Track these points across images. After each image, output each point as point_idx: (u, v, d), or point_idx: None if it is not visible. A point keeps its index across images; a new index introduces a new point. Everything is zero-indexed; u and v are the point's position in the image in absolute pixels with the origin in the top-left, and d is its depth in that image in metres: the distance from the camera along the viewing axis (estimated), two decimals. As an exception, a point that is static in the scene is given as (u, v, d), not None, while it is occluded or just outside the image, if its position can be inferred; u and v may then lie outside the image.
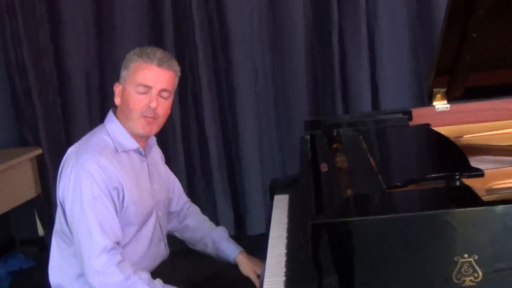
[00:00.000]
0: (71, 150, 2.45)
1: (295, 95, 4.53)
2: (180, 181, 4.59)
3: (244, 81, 4.57)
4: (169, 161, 4.66)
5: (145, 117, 2.39)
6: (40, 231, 4.91)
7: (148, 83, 2.38)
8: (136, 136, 2.45)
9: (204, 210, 4.70)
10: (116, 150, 2.40)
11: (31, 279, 4.40)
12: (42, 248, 4.79)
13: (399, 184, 1.94)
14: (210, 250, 2.74)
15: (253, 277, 2.58)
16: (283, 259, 2.25)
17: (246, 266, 2.64)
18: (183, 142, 4.71)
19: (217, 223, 4.72)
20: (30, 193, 4.61)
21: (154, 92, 2.38)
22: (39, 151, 4.64)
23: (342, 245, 1.68)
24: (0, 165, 4.23)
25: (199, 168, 4.78)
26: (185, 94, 4.67)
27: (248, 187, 4.65)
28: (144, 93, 2.38)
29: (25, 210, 4.78)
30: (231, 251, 2.71)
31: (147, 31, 4.62)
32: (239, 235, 4.61)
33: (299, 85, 4.50)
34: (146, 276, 2.31)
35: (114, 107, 2.51)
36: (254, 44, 4.55)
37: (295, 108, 4.54)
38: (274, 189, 3.03)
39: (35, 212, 4.88)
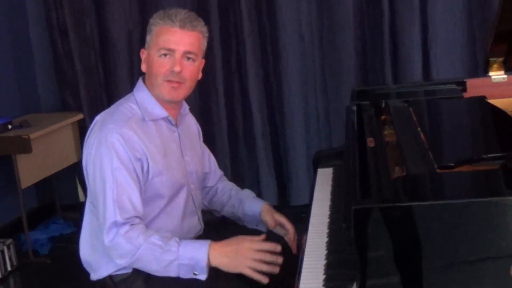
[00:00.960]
0: (97, 119, 2.35)
1: (342, 60, 4.35)
2: (223, 148, 4.58)
3: (290, 44, 4.41)
4: (212, 128, 4.60)
5: (169, 81, 2.27)
6: (81, 197, 4.86)
7: (171, 46, 2.26)
8: (166, 104, 2.33)
9: (246, 178, 4.67)
10: (144, 119, 2.30)
11: (71, 245, 4.35)
12: (83, 214, 4.74)
13: (452, 164, 1.78)
14: (236, 210, 2.58)
15: (270, 221, 2.45)
16: (324, 240, 2.12)
17: (269, 212, 2.49)
18: (226, 108, 4.59)
19: (259, 192, 4.62)
20: (71, 158, 4.56)
21: (177, 55, 2.26)
22: (80, 116, 4.58)
23: (388, 232, 1.53)
24: (42, 130, 4.21)
25: (242, 135, 4.66)
26: (229, 59, 4.54)
27: (292, 156, 4.51)
28: (168, 57, 2.26)
29: (66, 175, 4.75)
30: (258, 204, 2.54)
31: (191, -8, 4.49)
32: (282, 205, 4.50)
33: (346, 49, 4.32)
34: (158, 238, 2.17)
35: (144, 75, 2.39)
36: (300, 6, 4.37)
37: (343, 74, 4.36)
38: (318, 161, 2.89)
39: (76, 177, 4.83)
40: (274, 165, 4.61)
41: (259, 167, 4.58)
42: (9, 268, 3.99)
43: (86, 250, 2.41)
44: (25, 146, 4.00)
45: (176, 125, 2.41)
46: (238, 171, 4.69)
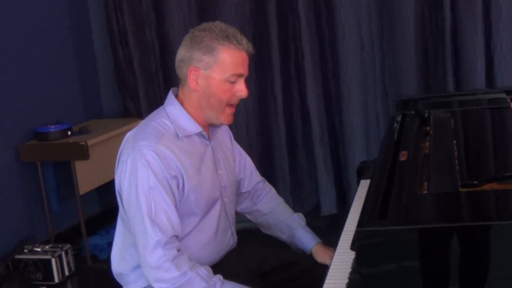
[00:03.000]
0: (129, 135, 2.29)
1: (403, 66, 4.21)
2: (281, 154, 4.52)
3: (349, 49, 4.31)
4: (270, 134, 4.55)
5: (230, 107, 2.24)
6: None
7: (242, 72, 2.22)
8: (201, 121, 2.27)
9: (305, 184, 4.60)
10: (177, 135, 2.24)
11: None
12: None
13: (475, 182, 1.67)
14: (285, 237, 2.56)
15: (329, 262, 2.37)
16: (351, 257, 2.03)
17: (323, 254, 2.45)
18: (285, 114, 4.53)
19: (318, 200, 4.55)
20: (131, 164, 4.58)
21: (243, 80, 2.23)
22: (140, 122, 4.59)
23: (393, 257, 1.44)
24: (101, 136, 4.26)
25: (301, 141, 4.60)
26: (287, 64, 4.49)
27: (352, 164, 4.39)
28: (235, 82, 2.22)
29: (127, 181, 4.77)
30: (309, 240, 2.51)
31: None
32: (341, 214, 4.39)
33: (407, 55, 4.18)
34: (205, 272, 2.16)
35: (174, 88, 2.34)
36: (360, 9, 4.27)
37: (403, 80, 4.23)
38: (362, 172, 2.80)
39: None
40: (333, 171, 4.53)
41: (317, 173, 4.50)
42: (66, 273, 4.04)
43: (117, 264, 2.39)
44: (83, 153, 4.06)
45: (209, 139, 2.36)
46: (297, 177, 4.63)
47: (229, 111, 2.25)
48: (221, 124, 2.30)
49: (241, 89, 2.23)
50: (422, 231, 1.43)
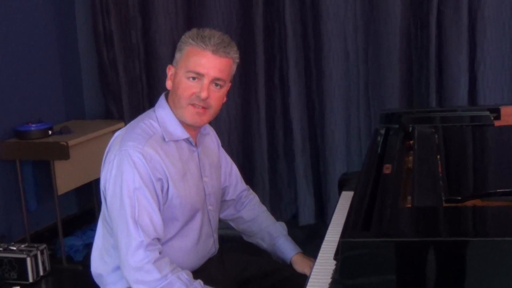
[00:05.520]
0: (117, 135, 2.29)
1: (387, 80, 4.24)
2: (262, 163, 4.52)
3: (334, 61, 4.33)
4: (252, 143, 4.56)
5: (194, 106, 2.21)
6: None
7: (201, 71, 2.18)
8: (186, 125, 2.27)
9: (284, 195, 4.61)
10: (164, 139, 2.24)
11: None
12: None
13: (459, 198, 1.69)
14: (266, 245, 2.56)
15: (309, 272, 2.37)
16: (331, 268, 2.04)
17: (302, 263, 2.46)
18: (267, 123, 4.54)
19: (296, 210, 4.55)
20: (111, 166, 4.56)
21: (206, 80, 2.18)
22: (121, 125, 4.57)
23: (379, 270, 1.45)
24: (81, 137, 4.24)
25: (282, 151, 4.60)
26: (272, 74, 4.50)
27: (332, 175, 4.41)
28: (196, 80, 2.19)
29: (106, 183, 4.75)
30: (289, 249, 2.52)
31: (237, 6, 4.47)
32: (319, 225, 4.41)
33: (392, 69, 4.20)
34: (186, 276, 2.15)
35: (167, 91, 2.34)
36: (346, 23, 4.29)
37: (387, 94, 4.25)
38: (343, 184, 2.81)
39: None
40: (313, 183, 4.54)
41: (297, 184, 4.50)
42: (41, 273, 4.01)
43: (97, 265, 2.38)
44: (63, 153, 4.03)
45: (196, 145, 2.36)
46: (277, 188, 4.64)
47: (193, 110, 2.22)
48: (190, 124, 2.25)
49: (200, 89, 2.19)
50: (406, 244, 1.44)
